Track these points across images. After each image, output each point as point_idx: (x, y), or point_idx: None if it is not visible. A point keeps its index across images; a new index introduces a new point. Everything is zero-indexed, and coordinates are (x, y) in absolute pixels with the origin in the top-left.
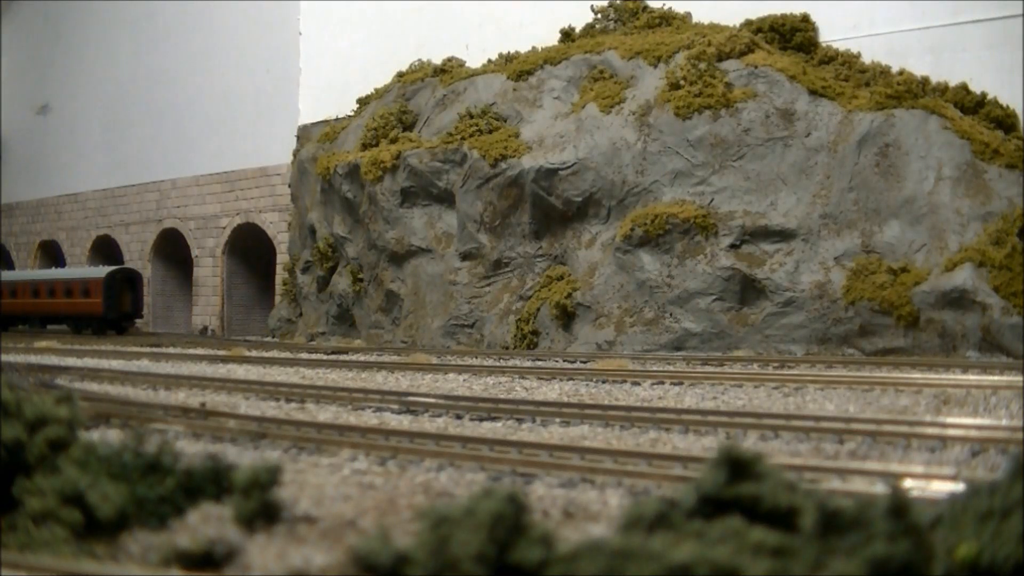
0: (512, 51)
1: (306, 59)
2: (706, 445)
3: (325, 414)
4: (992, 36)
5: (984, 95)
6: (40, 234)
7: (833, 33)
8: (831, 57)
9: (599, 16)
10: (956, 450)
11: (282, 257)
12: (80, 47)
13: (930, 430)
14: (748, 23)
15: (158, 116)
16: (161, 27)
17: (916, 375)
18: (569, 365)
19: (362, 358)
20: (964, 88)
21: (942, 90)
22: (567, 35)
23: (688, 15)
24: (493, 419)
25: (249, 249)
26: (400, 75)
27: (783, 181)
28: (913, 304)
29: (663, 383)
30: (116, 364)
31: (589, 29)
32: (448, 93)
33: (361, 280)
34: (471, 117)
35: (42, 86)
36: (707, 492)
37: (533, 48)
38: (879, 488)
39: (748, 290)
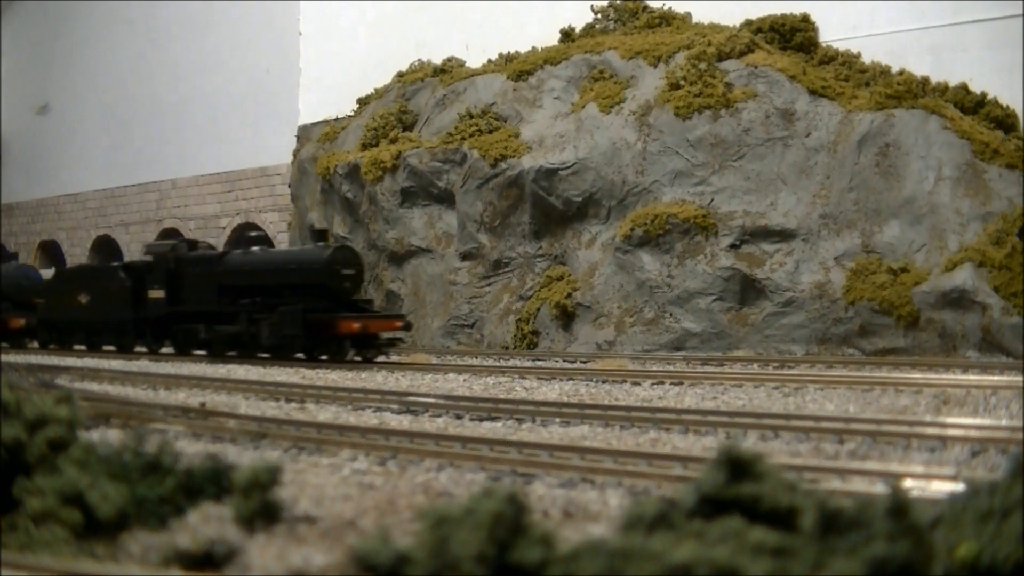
0: (512, 51)
1: (306, 59)
2: (706, 445)
3: (325, 414)
4: (992, 36)
5: (984, 95)
6: (40, 234)
7: (833, 33)
8: (831, 57)
9: (599, 16)
10: (956, 450)
11: None
12: (80, 47)
13: (930, 430)
14: (748, 23)
15: (158, 116)
16: (161, 27)
17: (916, 375)
18: (569, 365)
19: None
20: (964, 88)
21: (942, 90)
22: (567, 35)
23: (688, 15)
24: (493, 419)
25: None
26: (400, 75)
27: (783, 181)
28: (913, 304)
29: (663, 383)
30: (116, 364)
31: (589, 29)
32: (448, 93)
33: None
34: (471, 117)
35: (42, 86)
36: (707, 492)
37: (533, 48)
38: (879, 488)
39: (748, 290)
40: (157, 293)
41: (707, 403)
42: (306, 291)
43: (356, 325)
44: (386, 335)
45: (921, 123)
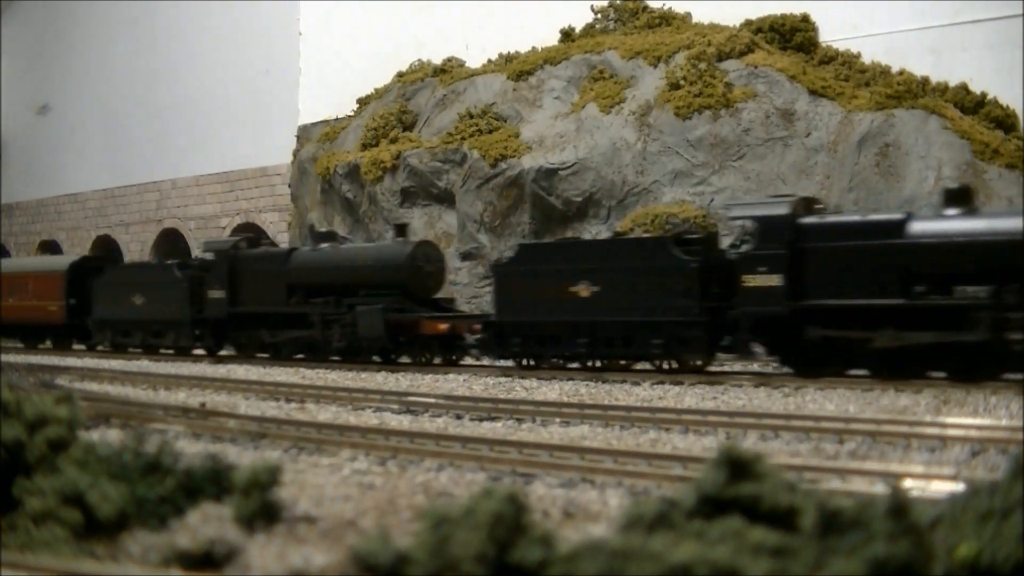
0: (512, 51)
1: (306, 59)
2: (706, 445)
3: (325, 414)
4: (992, 36)
5: (984, 95)
6: (40, 234)
7: (833, 33)
8: (831, 57)
9: (599, 16)
10: (956, 450)
11: None
12: (80, 47)
13: (930, 430)
14: (748, 23)
15: (158, 116)
16: (161, 27)
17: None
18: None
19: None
20: (964, 88)
21: (942, 90)
22: (567, 35)
23: (688, 15)
24: (493, 419)
25: None
26: (400, 75)
27: (783, 181)
28: None
29: (663, 383)
30: (116, 364)
31: (589, 29)
32: (448, 93)
33: None
34: (471, 117)
35: (42, 86)
36: (707, 492)
37: (533, 48)
38: (879, 488)
39: None
40: (769, 280)
41: (707, 403)
42: None
43: None
44: None
45: (921, 123)
